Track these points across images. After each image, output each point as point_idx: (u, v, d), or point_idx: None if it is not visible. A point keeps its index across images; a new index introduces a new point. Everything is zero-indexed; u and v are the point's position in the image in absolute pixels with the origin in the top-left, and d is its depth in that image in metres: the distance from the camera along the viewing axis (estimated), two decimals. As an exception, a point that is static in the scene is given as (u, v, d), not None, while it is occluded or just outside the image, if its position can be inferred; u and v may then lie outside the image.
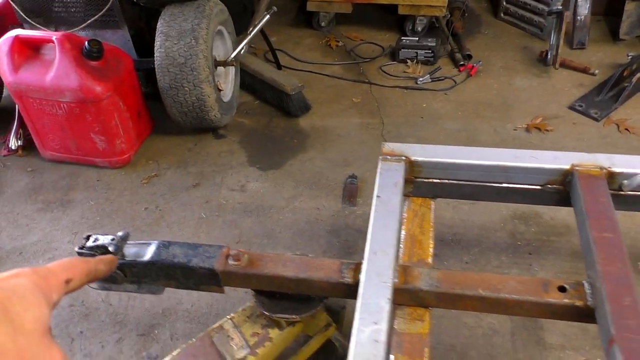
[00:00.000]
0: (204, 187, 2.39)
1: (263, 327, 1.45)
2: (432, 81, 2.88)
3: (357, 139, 2.56)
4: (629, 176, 1.50)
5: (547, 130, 2.51)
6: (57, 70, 2.26)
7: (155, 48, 2.34)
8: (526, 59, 3.01)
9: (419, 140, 2.52)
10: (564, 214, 2.10)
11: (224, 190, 2.36)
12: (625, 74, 2.62)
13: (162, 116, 2.61)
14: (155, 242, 1.49)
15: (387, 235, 1.37)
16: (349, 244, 2.07)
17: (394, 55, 3.07)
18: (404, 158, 1.59)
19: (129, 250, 1.48)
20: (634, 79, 2.55)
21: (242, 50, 2.90)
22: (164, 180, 2.45)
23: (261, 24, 2.59)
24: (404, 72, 2.99)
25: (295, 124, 2.70)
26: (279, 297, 1.48)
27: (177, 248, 1.47)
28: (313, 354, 1.57)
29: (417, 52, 2.98)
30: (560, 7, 2.71)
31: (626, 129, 2.46)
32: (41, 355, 0.49)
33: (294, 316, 1.42)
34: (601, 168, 1.51)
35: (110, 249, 1.44)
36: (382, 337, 1.15)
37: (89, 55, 2.28)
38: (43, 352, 0.50)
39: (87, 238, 1.47)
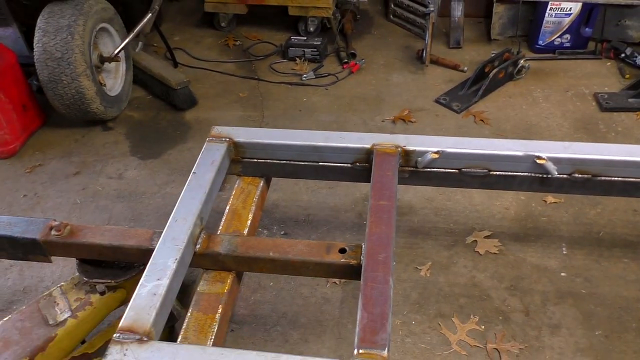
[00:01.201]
0: (83, 175, 2.51)
1: (86, 293, 1.58)
2: (316, 77, 3.06)
3: (236, 130, 2.72)
4: (422, 154, 1.69)
5: (411, 122, 2.71)
6: None
7: (34, 43, 2.45)
8: (406, 57, 3.22)
9: (293, 131, 2.69)
10: (410, 195, 2.30)
11: (102, 178, 2.49)
12: (487, 70, 2.84)
13: (55, 110, 2.71)
14: (-13, 216, 1.62)
15: (191, 205, 1.53)
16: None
17: (284, 53, 3.24)
18: (227, 140, 1.75)
19: (-38, 222, 1.60)
20: (491, 75, 2.78)
21: (137, 49, 3.04)
22: (47, 170, 2.55)
23: (143, 22, 2.73)
24: (292, 69, 3.17)
25: (180, 117, 2.85)
26: (103, 265, 1.62)
27: (6, 220, 1.59)
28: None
29: (304, 50, 3.16)
30: (430, 9, 2.93)
31: (481, 120, 2.68)
32: None
33: (109, 280, 1.56)
34: (397, 147, 1.69)
35: (-59, 221, 1.56)
36: (161, 290, 1.30)
37: (-33, 49, 2.39)
38: None
39: None
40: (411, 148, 1.68)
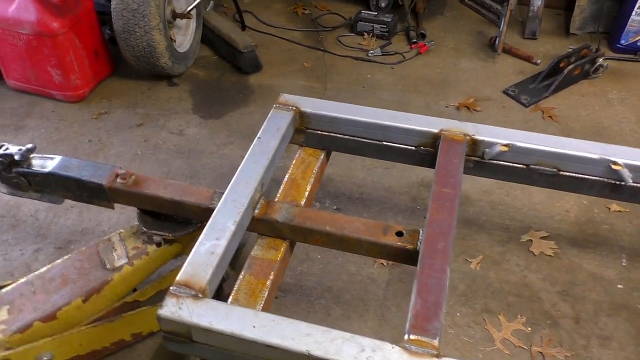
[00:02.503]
0: (146, 127, 2.56)
1: (144, 243, 1.63)
2: (383, 55, 3.01)
3: (297, 99, 2.71)
4: (490, 144, 1.64)
5: (476, 110, 2.64)
6: (18, 3, 2.43)
7: (113, -8, 2.50)
8: (477, 43, 3.12)
9: (354, 106, 2.66)
10: (468, 186, 2.25)
11: (164, 133, 2.53)
12: (562, 65, 2.72)
13: (124, 61, 2.77)
14: (59, 157, 1.67)
15: (253, 170, 1.53)
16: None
17: (353, 27, 3.19)
18: (294, 108, 1.74)
19: (35, 161, 1.66)
20: (566, 70, 2.66)
21: (208, 8, 3.05)
22: (112, 118, 2.62)
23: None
24: (359, 44, 3.12)
25: (244, 80, 2.85)
26: (163, 218, 1.65)
27: (75, 163, 1.64)
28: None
29: (373, 26, 3.10)
30: (511, -5, 2.82)
31: (550, 117, 2.58)
32: None
33: (166, 234, 1.59)
34: (465, 134, 1.65)
35: (16, 157, 1.63)
36: (219, 250, 1.32)
37: (49, -8, 2.45)
38: None
39: (0, 147, 1.66)
40: (480, 138, 1.64)
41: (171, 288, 1.22)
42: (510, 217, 2.14)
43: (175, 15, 2.73)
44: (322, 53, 3.05)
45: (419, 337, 1.15)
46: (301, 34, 3.23)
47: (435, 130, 1.66)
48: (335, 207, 2.18)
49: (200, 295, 1.22)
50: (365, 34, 3.14)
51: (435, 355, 1.12)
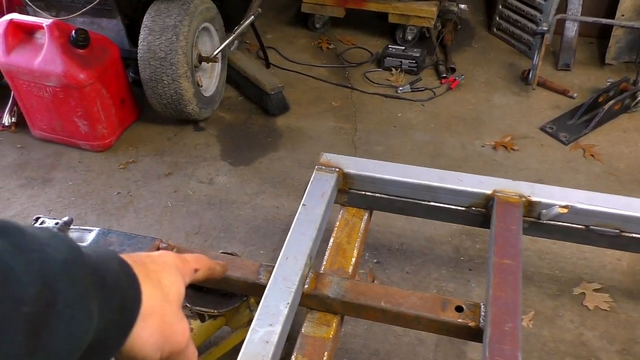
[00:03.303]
0: (175, 176, 2.51)
1: (187, 319, 1.56)
2: (412, 91, 2.94)
3: (328, 142, 2.64)
4: (547, 206, 1.55)
5: (514, 150, 2.55)
6: (45, 55, 2.40)
7: (139, 41, 2.45)
8: (509, 76, 3.04)
9: (387, 148, 2.59)
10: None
11: (193, 182, 2.48)
12: (600, 100, 2.64)
13: (149, 105, 2.72)
14: (97, 229, 1.61)
15: (302, 242, 1.46)
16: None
17: (380, 62, 3.13)
18: (337, 170, 1.67)
19: (72, 235, 1.61)
20: (607, 106, 2.57)
21: (232, 47, 3.00)
22: (140, 167, 2.57)
23: (245, 24, 2.69)
24: (387, 79, 3.05)
25: (272, 122, 2.80)
26: (205, 291, 1.59)
27: (115, 237, 1.58)
28: (235, 346, 1.68)
29: (401, 61, 3.03)
30: (545, 28, 2.73)
31: (592, 155, 2.49)
32: (177, 322, 0.60)
33: (212, 310, 1.52)
34: (520, 196, 1.57)
35: (53, 232, 1.56)
36: (274, 339, 1.25)
37: (75, 43, 2.40)
38: (178, 320, 0.60)
39: (36, 220, 1.61)
40: (536, 199, 1.55)
41: (227, 387, 1.15)
42: (559, 267, 2.05)
43: (201, 59, 2.68)
44: (350, 91, 2.98)
45: None
46: (327, 70, 3.17)
47: (488, 192, 1.58)
48: (375, 260, 2.10)
49: (258, 393, 1.14)
50: (393, 69, 3.07)
51: None
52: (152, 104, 2.61)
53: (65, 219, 1.59)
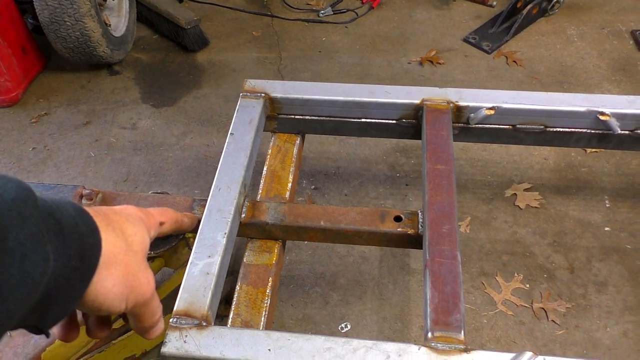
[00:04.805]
0: (94, 125, 2.36)
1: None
2: (334, 13, 2.86)
3: (253, 73, 2.55)
4: (475, 109, 1.56)
5: (439, 63, 2.55)
6: None
7: (32, -21, 2.23)
8: (429, -10, 3.01)
9: (314, 74, 2.53)
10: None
11: (115, 129, 2.34)
12: (519, 5, 2.66)
13: (55, 52, 2.51)
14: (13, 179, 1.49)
15: (234, 172, 1.41)
16: (235, 179, 2.11)
17: (298, -14, 3.02)
18: (263, 95, 1.61)
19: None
20: (525, 11, 2.60)
21: (138, -19, 2.78)
22: (54, 119, 2.40)
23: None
24: (308, 4, 2.95)
25: (192, 59, 2.66)
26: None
27: (33, 189, 1.47)
28: (178, 286, 1.64)
29: (320, -16, 2.93)
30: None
31: (514, 61, 2.53)
32: (141, 273, 0.58)
33: (149, 252, 1.46)
34: (449, 102, 1.57)
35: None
36: (214, 269, 1.21)
37: (-43, -13, 2.16)
38: (143, 270, 0.59)
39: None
40: (464, 104, 1.56)
41: (171, 321, 1.11)
42: (491, 172, 2.11)
43: (105, -4, 2.48)
44: (271, 19, 2.87)
45: (443, 333, 1.10)
46: (245, 0, 3.02)
47: (417, 101, 1.56)
48: (313, 186, 2.08)
49: (204, 324, 1.11)
50: (312, -8, 2.97)
51: (464, 349, 1.07)
52: (58, 50, 2.40)
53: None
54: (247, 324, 1.26)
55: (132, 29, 2.71)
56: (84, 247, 0.50)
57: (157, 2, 2.71)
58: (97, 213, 0.56)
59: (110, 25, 2.52)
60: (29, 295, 0.42)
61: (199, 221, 1.33)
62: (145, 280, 0.59)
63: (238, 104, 1.60)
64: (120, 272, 0.55)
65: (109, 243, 0.54)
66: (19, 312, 0.42)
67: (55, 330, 0.61)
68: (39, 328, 0.49)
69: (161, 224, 0.69)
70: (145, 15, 2.80)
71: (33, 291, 0.43)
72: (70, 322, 0.62)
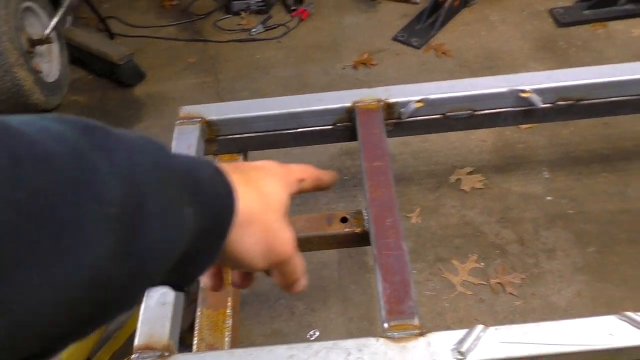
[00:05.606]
0: (39, 173, 2.33)
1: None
2: (266, 30, 2.91)
3: (193, 99, 2.57)
4: (404, 104, 1.63)
5: (373, 65, 2.63)
6: None
7: (-47, 37, 2.20)
8: (355, -5, 3.10)
9: (253, 92, 2.57)
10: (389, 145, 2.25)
11: (61, 174, 2.32)
12: (440, 0, 2.76)
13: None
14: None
15: (178, 198, 1.43)
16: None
17: (227, 8, 3.05)
18: (199, 119, 1.64)
19: None
20: (447, 4, 2.71)
21: (66, 24, 2.78)
22: (-3, 174, 2.36)
23: (71, -5, 2.49)
24: (239, 24, 2.99)
25: (130, 93, 2.66)
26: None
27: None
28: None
29: (248, 3, 2.98)
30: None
31: (443, 53, 2.63)
32: (281, 231, 0.55)
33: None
34: (379, 101, 1.63)
35: None
36: (170, 298, 1.22)
37: None
38: (283, 228, 0.56)
39: None
40: (393, 100, 1.62)
41: (132, 357, 1.13)
42: (433, 161, 2.18)
43: (33, 43, 2.47)
44: (204, 44, 2.90)
45: (399, 322, 1.14)
46: (176, 28, 3.04)
47: (349, 104, 1.62)
48: (266, 201, 2.11)
49: (166, 354, 1.13)
50: (242, 12, 3.01)
51: (419, 333, 1.12)
52: (-9, 104, 2.38)
53: None
54: (212, 347, 1.28)
55: (66, 72, 2.70)
56: (220, 208, 0.49)
57: (87, 41, 2.71)
58: (235, 170, 0.55)
59: (42, 71, 2.50)
60: (168, 259, 0.42)
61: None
62: (285, 239, 0.57)
63: (175, 131, 1.63)
64: (259, 230, 0.53)
65: (247, 201, 0.53)
66: (158, 275, 0.42)
67: (203, 280, 0.61)
68: (178, 285, 0.50)
69: (301, 180, 0.68)
70: (77, 56, 2.79)
71: (172, 254, 0.43)
72: (216, 273, 0.61)
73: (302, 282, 0.64)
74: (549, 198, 2.01)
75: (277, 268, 0.59)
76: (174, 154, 0.46)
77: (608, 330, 1.04)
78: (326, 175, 0.79)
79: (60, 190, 0.32)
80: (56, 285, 0.31)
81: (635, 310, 1.06)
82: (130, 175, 0.38)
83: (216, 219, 0.49)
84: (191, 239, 0.45)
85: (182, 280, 0.49)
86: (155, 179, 0.41)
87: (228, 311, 1.33)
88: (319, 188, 0.76)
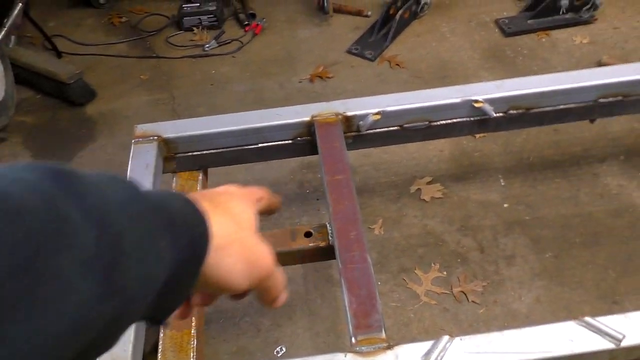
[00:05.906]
0: (-14, 199, 2.23)
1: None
2: (220, 45, 2.88)
3: (147, 117, 2.51)
4: (362, 117, 1.64)
5: (329, 77, 2.65)
6: None
7: None
8: (307, 9, 3.10)
9: (210, 107, 2.54)
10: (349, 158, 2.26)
11: (9, 198, 2.22)
12: (392, 12, 2.81)
13: None
14: None
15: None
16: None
17: (179, 24, 3.01)
18: (155, 138, 1.60)
19: None
20: (397, 17, 2.75)
21: (10, 44, 2.68)
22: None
23: (13, 15, 2.40)
24: (191, 40, 2.95)
25: (81, 113, 2.58)
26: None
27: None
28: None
29: (200, 18, 2.95)
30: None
31: (397, 64, 2.67)
32: (258, 245, 0.57)
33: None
34: (337, 114, 1.63)
35: None
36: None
37: None
38: (259, 243, 0.58)
39: None
40: (351, 113, 1.63)
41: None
42: (394, 172, 2.20)
43: (-25, 64, 2.37)
44: (156, 60, 2.84)
45: (366, 336, 1.14)
46: (126, 45, 2.98)
47: (307, 118, 1.62)
48: (226, 218, 2.08)
49: (129, 380, 1.09)
50: (194, 28, 2.98)
51: (387, 347, 1.12)
52: None
53: None
54: (177, 370, 1.24)
55: (12, 92, 2.59)
56: (195, 235, 0.50)
57: (33, 61, 2.62)
58: (202, 198, 0.55)
59: (-16, 93, 2.40)
60: (149, 292, 0.43)
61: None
62: (264, 252, 0.58)
63: (131, 150, 1.59)
64: (237, 249, 0.54)
65: (220, 225, 0.54)
66: (141, 310, 0.42)
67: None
68: (156, 319, 0.49)
69: (260, 200, 0.68)
70: (23, 76, 2.68)
71: (153, 287, 0.43)
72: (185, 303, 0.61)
73: (284, 296, 0.66)
74: (505, 205, 2.05)
75: (260, 284, 0.59)
76: (143, 190, 0.47)
77: (568, 336, 1.06)
78: (277, 199, 0.81)
79: (35, 243, 0.33)
80: (41, 335, 0.32)
81: (593, 314, 1.09)
82: (104, 217, 0.39)
83: (192, 246, 0.50)
84: (170, 269, 0.46)
85: (161, 312, 0.49)
86: (129, 217, 0.42)
87: (192, 331, 1.29)
88: (271, 208, 0.78)
